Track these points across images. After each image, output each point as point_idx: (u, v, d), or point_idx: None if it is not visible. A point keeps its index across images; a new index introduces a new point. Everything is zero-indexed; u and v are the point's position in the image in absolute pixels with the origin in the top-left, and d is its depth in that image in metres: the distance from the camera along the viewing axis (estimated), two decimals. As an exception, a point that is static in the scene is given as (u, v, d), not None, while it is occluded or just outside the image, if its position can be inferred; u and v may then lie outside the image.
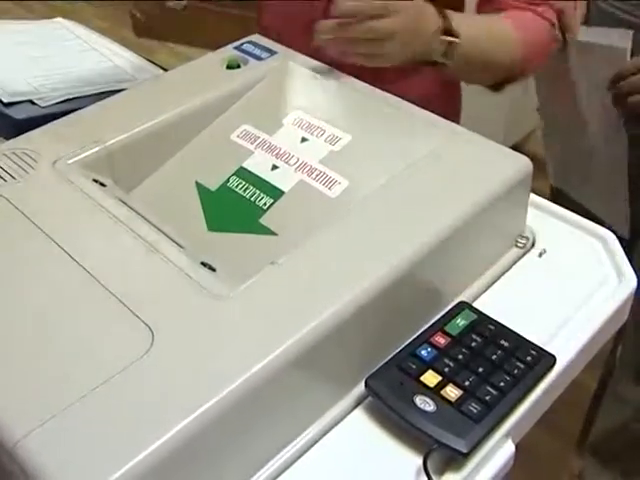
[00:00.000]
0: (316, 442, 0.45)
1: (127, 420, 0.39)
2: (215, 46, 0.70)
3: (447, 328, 0.50)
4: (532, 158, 0.55)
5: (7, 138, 0.61)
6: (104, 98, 0.65)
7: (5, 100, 0.78)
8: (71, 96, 0.81)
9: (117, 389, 0.40)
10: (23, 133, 0.60)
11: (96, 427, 0.38)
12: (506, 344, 0.49)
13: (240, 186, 0.57)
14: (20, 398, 0.40)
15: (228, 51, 0.69)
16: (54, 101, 0.79)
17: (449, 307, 0.52)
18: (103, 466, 0.37)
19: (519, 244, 0.58)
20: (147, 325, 0.43)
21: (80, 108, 0.63)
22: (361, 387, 0.47)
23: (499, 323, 0.50)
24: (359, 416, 0.47)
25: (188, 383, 0.40)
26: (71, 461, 0.37)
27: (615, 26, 0.84)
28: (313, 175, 0.56)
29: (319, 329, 0.43)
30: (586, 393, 0.67)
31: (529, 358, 0.48)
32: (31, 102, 0.79)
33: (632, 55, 0.83)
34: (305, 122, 0.61)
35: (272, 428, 0.43)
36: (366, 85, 0.63)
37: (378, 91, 0.62)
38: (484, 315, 0.51)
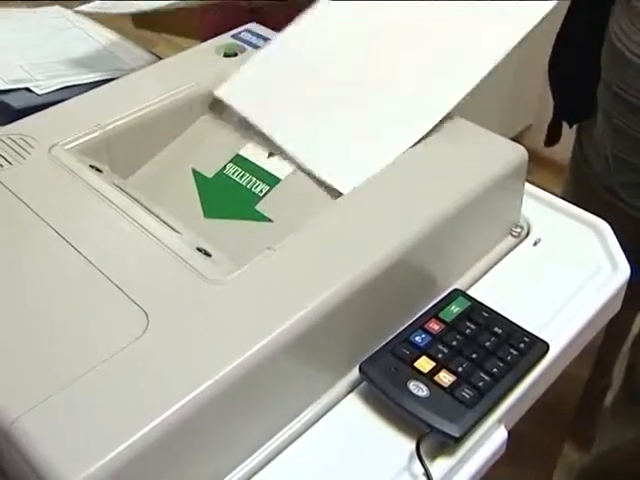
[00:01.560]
0: (310, 427, 0.46)
1: (122, 402, 0.39)
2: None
3: (441, 315, 0.50)
4: (529, 152, 0.55)
5: (4, 125, 0.61)
6: (101, 86, 0.65)
7: (1, 87, 0.78)
8: (68, 84, 0.80)
9: (112, 372, 0.40)
10: (20, 120, 0.60)
11: (91, 408, 0.38)
12: (499, 331, 0.49)
13: (236, 173, 0.57)
14: (14, 380, 0.40)
15: (225, 39, 0.69)
16: (51, 89, 0.79)
17: (443, 294, 0.52)
18: (98, 447, 0.37)
19: (514, 233, 0.58)
20: (142, 309, 0.43)
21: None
22: (355, 372, 0.47)
23: (493, 310, 0.50)
24: (353, 401, 0.47)
25: (182, 366, 0.40)
26: (66, 442, 0.37)
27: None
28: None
29: (313, 314, 0.43)
30: (580, 385, 0.67)
31: (522, 345, 0.48)
32: (28, 90, 0.79)
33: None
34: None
35: (266, 412, 0.44)
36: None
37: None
38: (478, 302, 0.51)
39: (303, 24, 0.64)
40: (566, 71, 0.88)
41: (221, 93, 0.62)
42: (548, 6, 0.58)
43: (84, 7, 0.77)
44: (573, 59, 0.87)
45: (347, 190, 0.52)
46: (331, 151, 0.56)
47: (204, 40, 0.70)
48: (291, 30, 0.64)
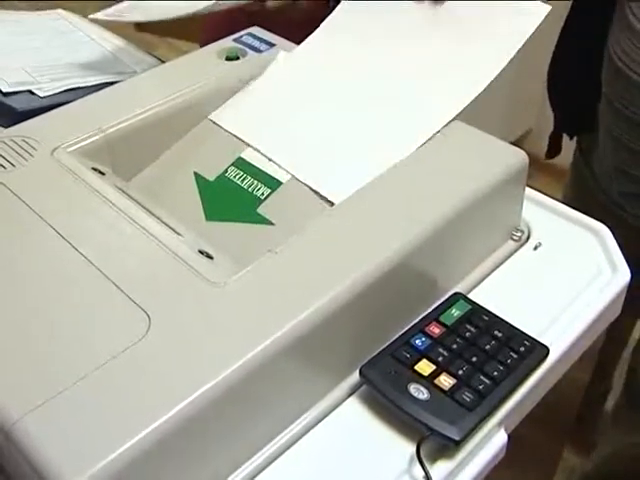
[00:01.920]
0: (310, 429, 0.46)
1: (123, 403, 0.39)
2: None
3: (442, 318, 0.50)
4: (529, 156, 0.55)
5: (6, 128, 0.61)
6: (104, 89, 0.65)
7: (4, 90, 0.78)
8: (71, 87, 0.81)
9: (113, 373, 0.40)
10: (23, 123, 0.60)
11: (93, 409, 0.39)
12: (500, 334, 0.49)
13: (238, 176, 0.58)
14: (16, 380, 0.40)
15: (227, 43, 0.69)
16: (54, 91, 0.79)
17: (444, 298, 0.52)
18: (100, 447, 0.37)
19: (514, 237, 0.58)
20: (144, 310, 0.43)
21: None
22: (355, 375, 0.47)
23: (493, 314, 0.51)
24: (353, 404, 0.47)
25: (183, 368, 0.41)
26: (68, 442, 0.37)
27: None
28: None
29: (314, 317, 0.44)
30: (580, 389, 0.68)
31: (522, 349, 0.48)
32: (30, 92, 0.79)
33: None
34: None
35: (266, 414, 0.44)
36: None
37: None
38: (478, 306, 0.51)
39: (300, 50, 0.66)
40: (565, 85, 0.88)
41: (215, 117, 0.62)
42: (543, 12, 0.59)
43: (99, 14, 0.77)
44: (573, 74, 0.86)
45: (338, 200, 0.52)
46: (323, 162, 0.56)
47: (205, 43, 0.70)
48: (287, 57, 0.65)
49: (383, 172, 0.53)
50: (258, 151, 0.58)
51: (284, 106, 0.62)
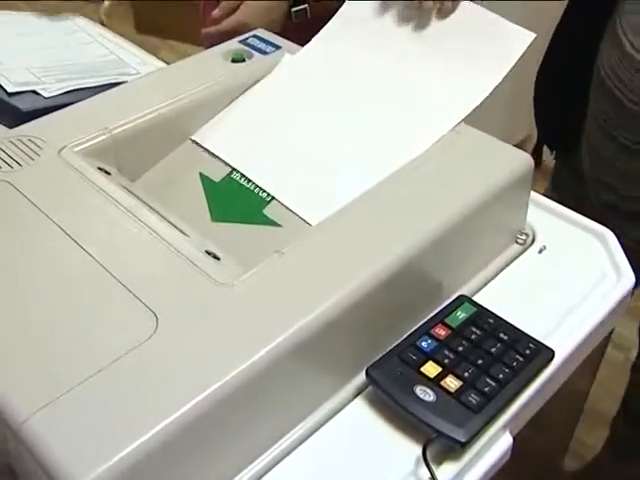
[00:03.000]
0: (316, 430, 0.46)
1: (130, 403, 0.39)
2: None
3: (447, 320, 0.50)
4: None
5: (12, 128, 0.61)
6: (107, 90, 0.65)
7: (9, 90, 0.78)
8: (75, 87, 0.81)
9: (121, 373, 0.40)
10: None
11: (100, 409, 0.39)
12: (505, 337, 0.49)
13: (243, 178, 0.58)
14: (25, 380, 0.40)
15: (233, 44, 0.69)
16: (58, 92, 0.79)
17: (449, 300, 0.52)
18: (107, 447, 0.37)
19: (519, 240, 0.58)
20: (151, 310, 0.43)
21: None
22: (362, 376, 0.47)
23: (498, 317, 0.51)
24: (360, 405, 0.47)
25: (190, 369, 0.41)
26: (76, 442, 0.37)
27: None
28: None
29: (321, 318, 0.44)
30: (581, 396, 0.68)
31: (528, 351, 0.49)
32: (35, 93, 0.79)
33: None
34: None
35: (273, 415, 0.44)
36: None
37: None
38: (484, 308, 0.51)
39: (294, 60, 0.66)
40: (550, 101, 0.87)
41: (197, 137, 0.61)
42: (528, 40, 0.60)
43: None
44: (557, 91, 0.85)
45: (315, 222, 0.52)
46: (303, 183, 0.56)
47: (205, 42, 0.71)
48: (268, 79, 0.65)
49: (390, 175, 0.53)
50: (241, 173, 0.57)
51: (274, 119, 0.61)
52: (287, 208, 0.54)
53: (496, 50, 0.61)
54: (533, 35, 0.61)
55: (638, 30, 0.68)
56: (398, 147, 0.56)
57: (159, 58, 0.94)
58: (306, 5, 0.84)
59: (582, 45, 0.78)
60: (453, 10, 0.63)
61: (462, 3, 0.64)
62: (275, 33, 0.71)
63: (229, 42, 0.70)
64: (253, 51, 0.68)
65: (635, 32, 0.68)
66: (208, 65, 0.67)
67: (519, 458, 0.49)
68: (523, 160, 0.55)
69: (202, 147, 0.61)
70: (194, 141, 0.61)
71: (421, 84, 0.61)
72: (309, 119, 0.61)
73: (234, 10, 0.82)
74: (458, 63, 0.62)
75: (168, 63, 0.92)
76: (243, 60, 0.67)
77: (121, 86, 0.64)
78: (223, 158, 0.59)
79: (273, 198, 0.55)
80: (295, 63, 0.66)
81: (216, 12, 0.82)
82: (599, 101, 0.75)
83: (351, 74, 0.64)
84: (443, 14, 0.63)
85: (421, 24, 0.64)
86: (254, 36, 0.70)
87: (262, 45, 0.69)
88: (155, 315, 0.43)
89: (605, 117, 0.73)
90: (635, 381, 1.03)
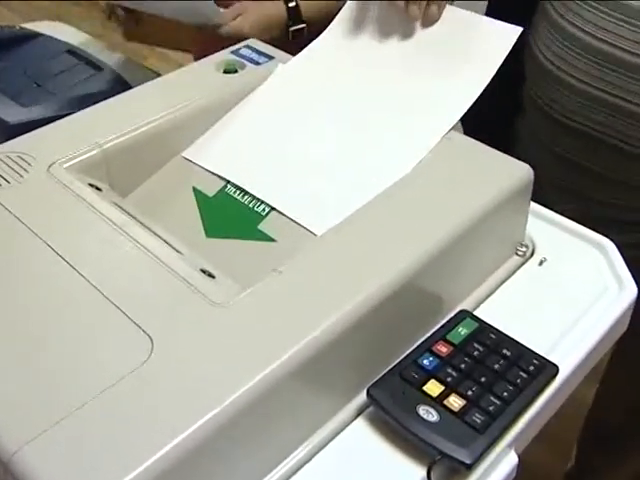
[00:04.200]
0: (317, 452, 0.45)
1: (124, 433, 0.38)
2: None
3: (449, 337, 0.49)
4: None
5: (1, 143, 0.60)
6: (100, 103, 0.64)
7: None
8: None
9: (115, 400, 0.39)
10: (15, 137, 0.59)
11: (94, 438, 0.37)
12: (508, 353, 0.48)
13: (238, 192, 0.56)
14: (16, 409, 0.39)
15: (225, 55, 0.68)
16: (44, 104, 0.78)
17: (450, 315, 0.51)
18: (102, 478, 0.36)
19: (519, 252, 0.57)
20: (146, 333, 0.42)
21: (74, 112, 0.62)
22: (363, 396, 0.46)
23: (501, 332, 0.50)
24: (361, 425, 0.46)
25: (188, 394, 0.39)
26: (70, 473, 0.36)
27: None
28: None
29: (320, 338, 0.43)
30: (584, 406, 0.67)
31: (532, 368, 0.48)
32: (22, 105, 0.78)
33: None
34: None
35: (273, 438, 0.43)
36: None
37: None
38: (486, 324, 0.50)
39: (284, 72, 0.65)
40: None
41: (189, 154, 0.60)
42: (514, 35, 0.60)
43: None
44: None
45: (321, 232, 0.51)
46: (304, 194, 0.55)
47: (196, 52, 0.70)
48: (260, 91, 0.64)
49: (386, 190, 0.52)
50: (236, 187, 0.56)
51: (268, 131, 0.60)
52: (289, 219, 0.53)
53: (484, 48, 0.61)
54: (519, 29, 0.61)
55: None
56: (396, 155, 0.55)
57: (149, 68, 0.92)
58: (304, 25, 0.83)
59: None
60: (439, 16, 0.63)
61: (447, 7, 0.64)
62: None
63: (221, 53, 0.69)
64: (245, 62, 0.67)
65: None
66: (200, 76, 0.66)
67: (522, 470, 0.47)
68: (523, 171, 0.54)
69: (194, 163, 0.59)
70: (186, 158, 0.60)
71: (413, 90, 0.61)
72: (303, 130, 0.60)
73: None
74: (448, 65, 0.61)
75: (156, 71, 0.91)
76: (235, 71, 0.66)
77: (111, 99, 0.63)
78: (218, 173, 0.57)
79: (269, 212, 0.54)
80: (286, 74, 0.65)
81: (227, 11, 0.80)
82: (538, 86, 0.75)
83: (343, 84, 0.63)
84: (429, 21, 0.63)
85: (408, 32, 0.64)
86: (246, 46, 0.69)
87: (254, 55, 0.68)
88: (150, 338, 0.41)
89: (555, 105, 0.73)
90: None
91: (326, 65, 0.64)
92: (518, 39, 0.61)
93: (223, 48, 0.69)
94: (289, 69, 0.65)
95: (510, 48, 0.60)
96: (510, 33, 0.61)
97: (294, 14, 0.83)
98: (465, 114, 0.58)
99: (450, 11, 0.64)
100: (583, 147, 0.72)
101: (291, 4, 0.83)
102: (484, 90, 0.58)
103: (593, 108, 0.69)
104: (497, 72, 0.58)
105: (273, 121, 0.61)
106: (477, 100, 0.58)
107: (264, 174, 0.57)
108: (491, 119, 0.78)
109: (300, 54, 0.66)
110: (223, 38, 0.78)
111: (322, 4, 0.85)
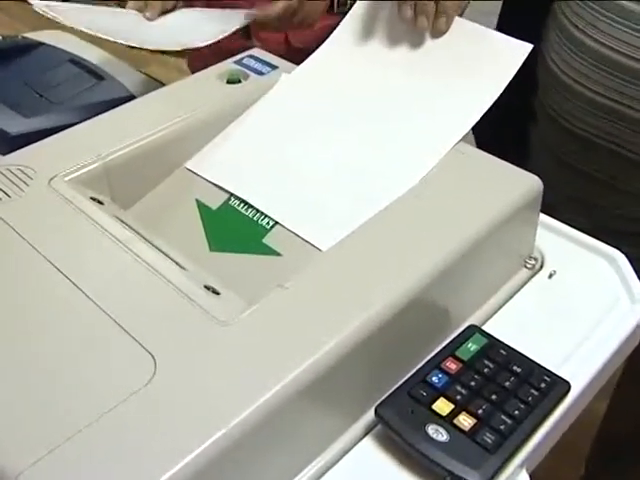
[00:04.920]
0: (325, 472, 0.44)
1: (129, 454, 0.37)
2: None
3: (458, 353, 0.48)
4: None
5: (1, 153, 0.59)
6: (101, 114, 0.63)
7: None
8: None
9: (118, 422, 0.38)
10: (17, 148, 0.58)
11: (98, 460, 0.36)
12: (519, 370, 0.47)
13: (242, 205, 0.56)
14: (19, 431, 0.38)
15: (228, 65, 0.67)
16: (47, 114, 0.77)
17: (459, 330, 0.50)
18: (105, 504, 0.35)
19: (528, 265, 0.56)
20: (149, 352, 0.41)
21: (76, 123, 0.61)
22: (370, 414, 0.45)
23: (511, 348, 0.49)
24: (369, 445, 0.45)
25: (192, 415, 0.38)
26: (71, 499, 0.35)
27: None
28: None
29: (327, 356, 0.42)
30: (595, 419, 0.66)
31: (543, 385, 0.47)
32: (23, 115, 0.77)
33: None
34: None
35: (279, 458, 0.42)
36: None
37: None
38: (495, 339, 0.49)
39: (277, 92, 0.63)
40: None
41: (191, 165, 0.59)
42: (525, 51, 0.59)
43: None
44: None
45: (325, 247, 0.49)
46: (309, 207, 0.54)
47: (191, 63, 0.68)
48: (263, 101, 0.63)
49: (393, 203, 0.51)
50: (240, 199, 0.55)
51: (271, 142, 0.60)
52: (294, 234, 0.52)
53: (494, 63, 0.60)
54: (529, 46, 0.60)
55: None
56: (403, 167, 0.55)
57: (152, 77, 0.92)
58: None
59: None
60: (447, 28, 0.62)
61: (456, 20, 0.62)
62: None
63: (224, 62, 0.68)
64: (249, 72, 0.66)
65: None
66: (203, 87, 0.65)
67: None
68: (532, 182, 0.54)
69: (198, 175, 0.58)
70: (189, 169, 0.59)
71: (420, 102, 0.60)
72: (307, 141, 0.59)
73: None
74: (456, 79, 0.60)
75: (158, 78, 0.90)
76: (239, 81, 0.65)
77: (113, 111, 0.62)
78: (221, 185, 0.57)
79: (274, 225, 0.53)
80: (291, 84, 0.64)
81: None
82: (550, 96, 0.73)
83: (349, 94, 0.62)
84: (437, 33, 0.62)
85: (416, 42, 0.63)
86: (250, 56, 0.68)
87: (258, 65, 0.67)
88: (153, 358, 0.40)
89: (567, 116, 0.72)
90: None
91: (331, 75, 0.63)
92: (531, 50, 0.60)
93: (221, 60, 0.68)
94: (293, 79, 0.64)
95: (520, 64, 0.58)
96: (521, 49, 0.60)
97: None
98: (476, 125, 0.57)
99: (460, 24, 0.63)
100: (595, 157, 0.71)
101: None
102: (496, 100, 0.57)
103: (606, 119, 0.68)
104: (511, 83, 0.57)
105: (277, 132, 0.60)
106: (488, 110, 0.57)
107: (268, 187, 0.56)
108: (503, 128, 0.77)
109: (304, 63, 0.65)
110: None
111: None
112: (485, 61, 0.60)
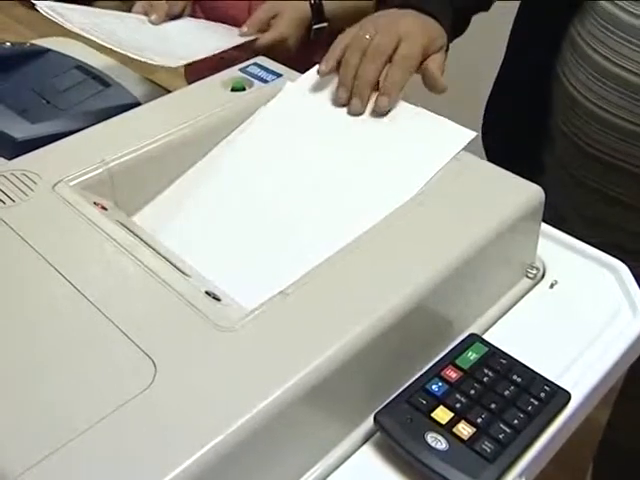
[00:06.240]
0: (324, 479, 0.44)
1: (127, 459, 0.37)
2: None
3: (458, 362, 0.48)
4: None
5: (6, 157, 0.60)
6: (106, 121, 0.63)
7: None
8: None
9: (117, 426, 0.38)
10: (23, 153, 0.58)
11: (97, 464, 0.37)
12: (519, 379, 0.47)
13: (245, 211, 0.56)
14: (18, 434, 0.38)
15: (233, 73, 0.68)
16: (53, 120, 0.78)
17: (459, 339, 0.50)
18: (103, 508, 0.35)
19: (529, 274, 0.56)
20: (149, 357, 0.41)
21: (82, 129, 0.61)
22: (370, 422, 0.45)
23: (511, 357, 0.49)
24: (368, 452, 0.45)
25: (192, 421, 0.38)
26: (69, 503, 0.35)
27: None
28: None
29: (328, 363, 0.42)
30: (597, 428, 0.65)
31: (543, 394, 0.46)
32: (30, 121, 0.78)
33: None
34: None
35: (278, 465, 0.42)
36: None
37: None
38: (495, 348, 0.49)
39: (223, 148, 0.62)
40: (502, 128, 0.80)
41: (137, 218, 0.58)
42: (467, 138, 0.57)
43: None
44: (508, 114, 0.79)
45: (251, 307, 0.45)
46: (239, 269, 0.53)
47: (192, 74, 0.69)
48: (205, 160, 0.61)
49: (394, 212, 0.51)
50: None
51: (203, 210, 0.58)
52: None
53: (434, 145, 0.57)
54: (473, 134, 0.58)
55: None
56: (399, 181, 0.54)
57: (159, 84, 0.92)
58: (326, 24, 0.82)
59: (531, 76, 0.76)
60: (387, 108, 0.60)
61: (401, 103, 0.61)
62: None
63: (229, 70, 0.68)
64: (253, 79, 0.67)
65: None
66: (207, 94, 0.65)
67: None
68: (533, 192, 0.54)
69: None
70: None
71: (359, 172, 0.58)
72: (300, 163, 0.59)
73: (266, 24, 0.80)
74: (397, 155, 0.58)
75: (163, 85, 0.91)
76: (243, 89, 0.66)
77: (118, 117, 0.62)
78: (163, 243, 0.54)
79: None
80: (294, 92, 0.64)
81: (245, 29, 0.79)
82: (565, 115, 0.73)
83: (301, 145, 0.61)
84: (378, 111, 0.61)
85: (359, 120, 0.61)
86: (254, 64, 0.69)
87: (262, 73, 0.67)
88: (153, 363, 0.41)
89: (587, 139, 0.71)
90: None
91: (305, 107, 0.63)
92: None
93: (218, 70, 0.68)
94: (297, 87, 0.64)
95: (460, 148, 0.56)
96: (464, 135, 0.57)
97: (317, 11, 0.82)
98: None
99: (405, 108, 0.61)
100: (613, 179, 0.71)
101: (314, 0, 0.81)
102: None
103: (625, 141, 0.67)
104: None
105: (253, 167, 0.59)
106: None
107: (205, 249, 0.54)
108: (519, 149, 0.77)
109: (308, 72, 0.65)
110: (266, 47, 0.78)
111: (347, 3, 0.84)
112: (427, 142, 0.58)
